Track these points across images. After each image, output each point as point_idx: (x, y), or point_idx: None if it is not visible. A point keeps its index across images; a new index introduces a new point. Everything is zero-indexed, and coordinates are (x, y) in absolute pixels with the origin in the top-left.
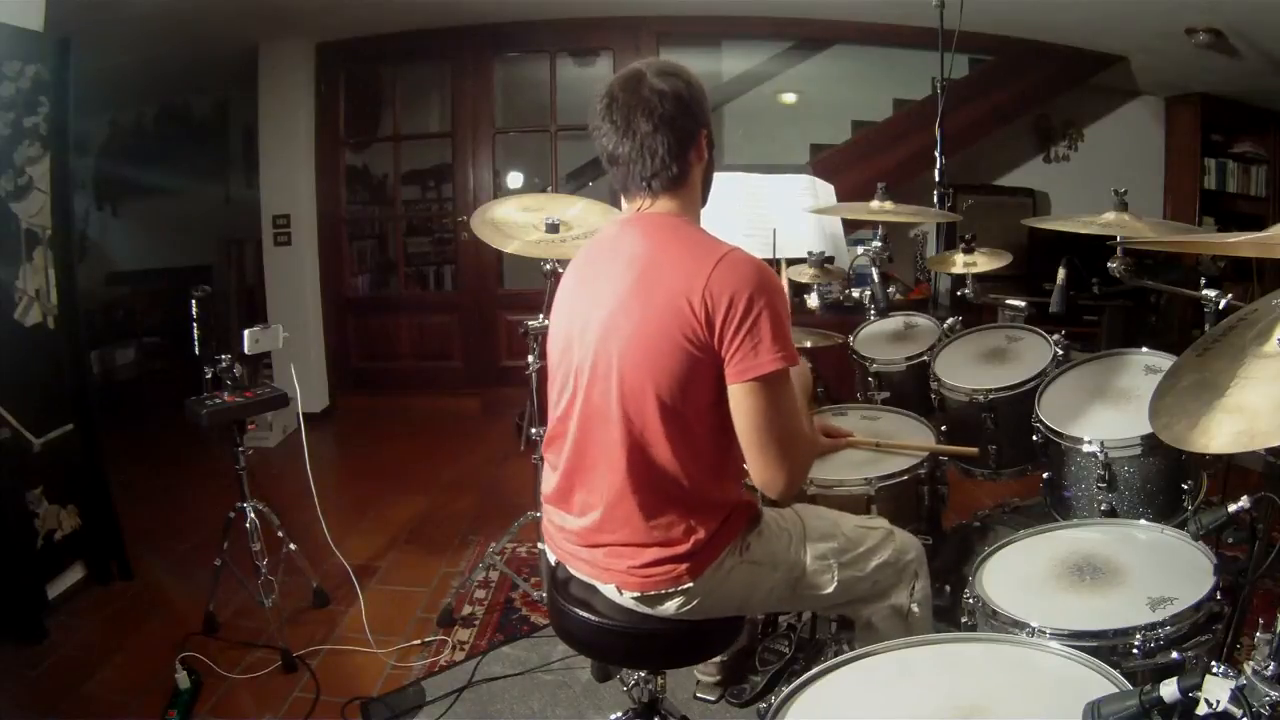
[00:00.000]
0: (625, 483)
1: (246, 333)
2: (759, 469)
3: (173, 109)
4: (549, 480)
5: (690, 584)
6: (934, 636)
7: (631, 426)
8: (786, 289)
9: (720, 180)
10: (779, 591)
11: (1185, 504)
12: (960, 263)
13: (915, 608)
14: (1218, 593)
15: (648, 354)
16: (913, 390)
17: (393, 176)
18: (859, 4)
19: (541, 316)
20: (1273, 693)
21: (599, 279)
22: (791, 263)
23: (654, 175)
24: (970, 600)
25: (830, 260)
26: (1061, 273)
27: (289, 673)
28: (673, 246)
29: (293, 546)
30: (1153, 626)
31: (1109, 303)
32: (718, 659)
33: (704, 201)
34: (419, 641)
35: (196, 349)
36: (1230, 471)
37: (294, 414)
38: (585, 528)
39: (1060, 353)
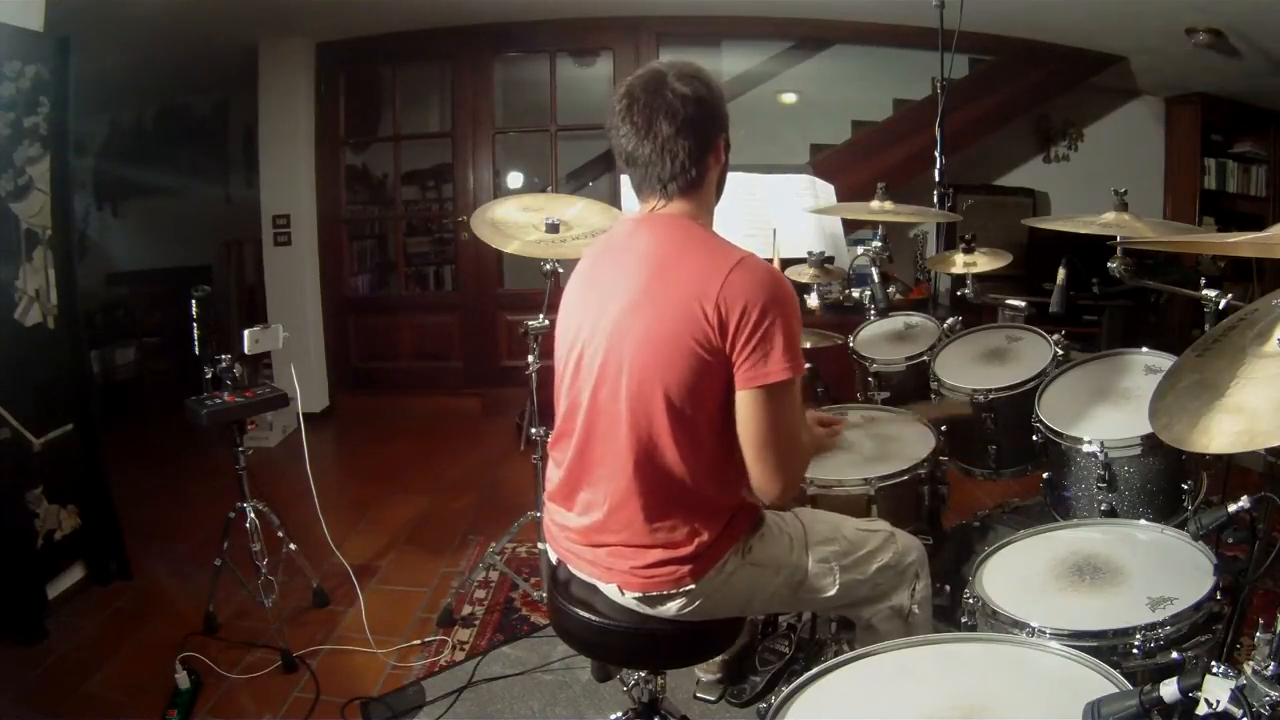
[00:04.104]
0: (631, 484)
1: (246, 333)
2: (756, 474)
3: (173, 109)
4: (553, 478)
5: (692, 585)
6: (934, 636)
7: (639, 427)
8: None
9: None
10: (781, 594)
11: (1185, 504)
12: (960, 263)
13: (916, 609)
14: (1218, 593)
15: (658, 355)
16: (913, 390)
17: (393, 176)
18: (859, 4)
19: (542, 316)
20: (1273, 693)
21: (610, 278)
22: (791, 263)
23: (673, 178)
24: (970, 600)
25: (830, 260)
26: (1061, 273)
27: (289, 673)
28: (687, 249)
29: (293, 546)
30: (1153, 626)
31: (1109, 303)
32: (718, 659)
33: (716, 200)
34: (419, 641)
35: (196, 349)
36: (1230, 471)
37: (294, 414)
38: (587, 526)
39: (1060, 353)
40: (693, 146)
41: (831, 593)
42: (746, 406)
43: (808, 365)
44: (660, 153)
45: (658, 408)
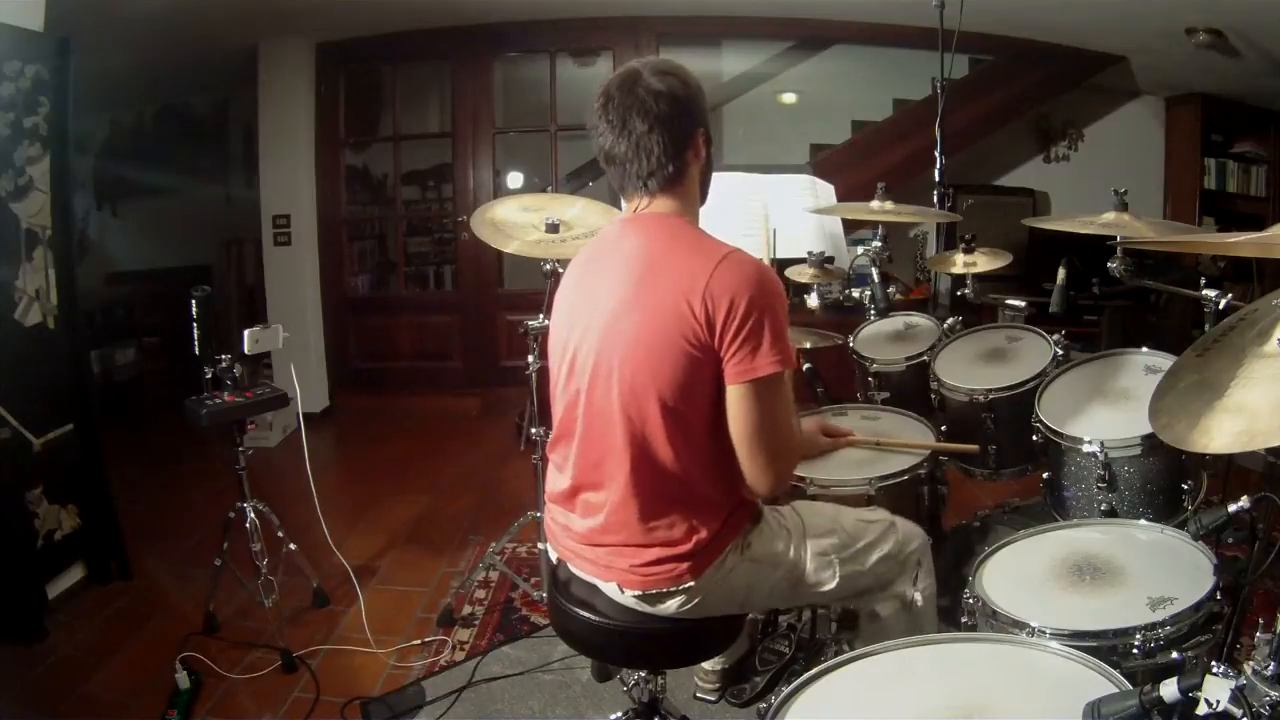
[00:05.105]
0: (628, 484)
1: (246, 333)
2: (748, 469)
3: (173, 109)
4: (554, 480)
5: (691, 583)
6: (934, 636)
7: (634, 427)
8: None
9: (720, 180)
10: (780, 590)
11: (1185, 504)
12: (960, 263)
13: (919, 597)
14: (1218, 593)
15: (649, 355)
16: (913, 390)
17: (393, 176)
18: (859, 4)
19: (541, 316)
20: (1273, 693)
21: (599, 280)
22: (791, 263)
23: (650, 175)
24: (970, 600)
25: (830, 260)
26: (1061, 273)
27: (289, 673)
28: (673, 247)
29: (293, 546)
30: (1153, 626)
31: (1109, 303)
32: (718, 659)
33: (703, 200)
34: (419, 641)
35: (196, 349)
36: (1230, 471)
37: (294, 414)
38: (590, 529)
39: (1060, 353)
40: (668, 142)
41: (831, 586)
42: (737, 401)
43: (807, 365)
44: (636, 150)
45: (651, 407)
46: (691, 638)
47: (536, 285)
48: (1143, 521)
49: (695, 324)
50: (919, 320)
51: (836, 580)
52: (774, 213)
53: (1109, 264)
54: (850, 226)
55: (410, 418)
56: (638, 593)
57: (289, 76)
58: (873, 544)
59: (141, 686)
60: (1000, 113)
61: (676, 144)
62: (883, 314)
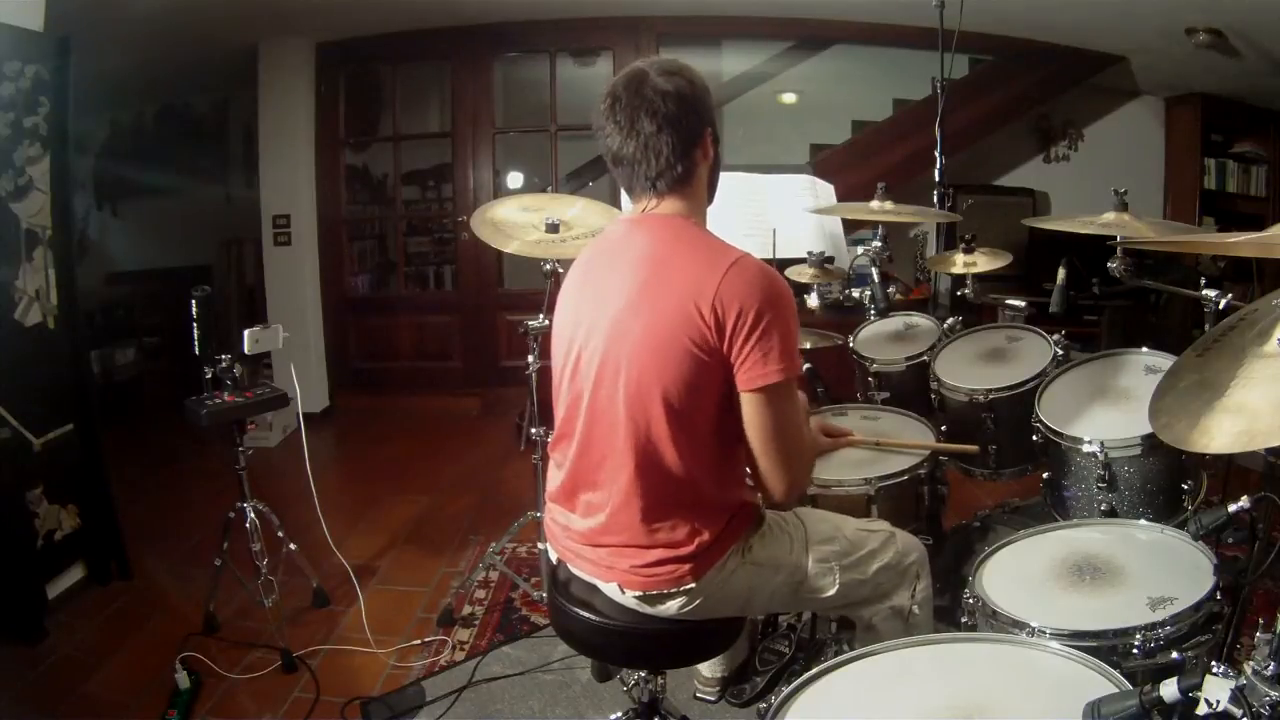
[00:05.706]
0: (631, 485)
1: (246, 333)
2: (764, 474)
3: (173, 109)
4: (554, 479)
5: (693, 584)
6: (934, 636)
7: (638, 429)
8: None
9: (720, 180)
10: (780, 593)
11: (1185, 504)
12: (960, 263)
13: (916, 609)
14: (1218, 593)
15: (655, 356)
16: (913, 390)
17: (393, 176)
18: (859, 4)
19: (542, 316)
20: (1273, 693)
21: (605, 279)
22: (791, 263)
23: (659, 175)
24: (970, 600)
25: (830, 260)
26: (1061, 273)
27: (289, 673)
28: (682, 249)
29: (293, 546)
30: (1153, 626)
31: (1109, 303)
32: (718, 659)
33: (710, 199)
34: (419, 641)
35: (196, 349)
36: (1230, 471)
37: (294, 414)
38: (591, 529)
39: (1060, 353)
40: (676, 142)
41: (831, 592)
42: (749, 408)
43: (807, 365)
44: (645, 150)
45: (656, 409)
46: (692, 638)
47: (536, 285)
48: (1143, 521)
49: (704, 328)
50: (919, 320)
51: (836, 587)
52: (774, 213)
53: (1109, 264)
54: (850, 226)
55: (410, 418)
56: (639, 593)
57: (289, 76)
58: (874, 553)
59: (141, 686)
60: (1000, 113)
61: (685, 144)
62: (883, 314)
